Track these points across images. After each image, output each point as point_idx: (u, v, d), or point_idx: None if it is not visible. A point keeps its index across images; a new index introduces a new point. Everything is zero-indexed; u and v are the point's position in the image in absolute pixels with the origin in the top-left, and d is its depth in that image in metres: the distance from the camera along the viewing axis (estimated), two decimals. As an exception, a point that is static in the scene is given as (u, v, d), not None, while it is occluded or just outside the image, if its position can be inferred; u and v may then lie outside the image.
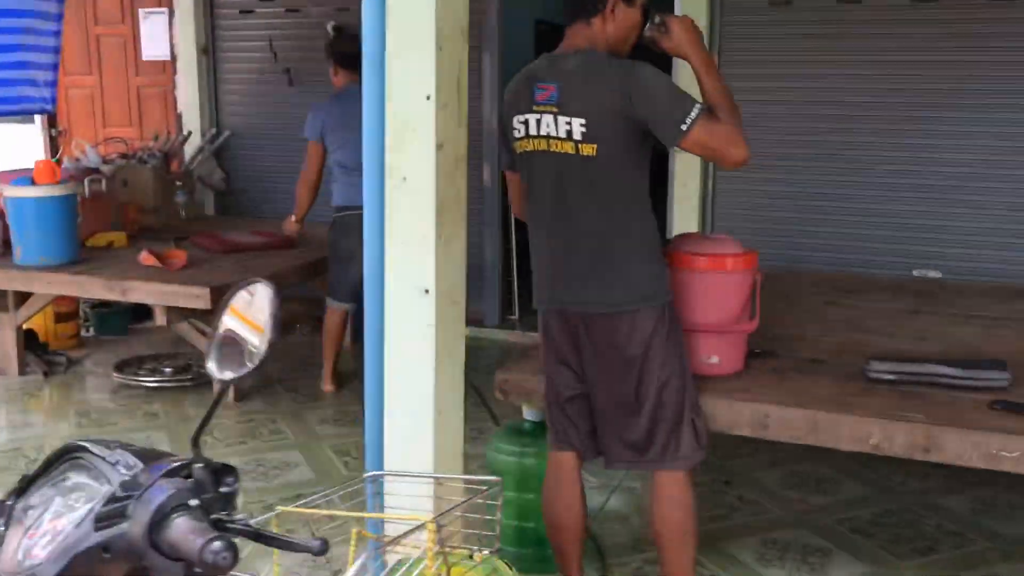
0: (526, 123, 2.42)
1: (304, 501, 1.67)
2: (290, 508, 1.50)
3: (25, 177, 4.45)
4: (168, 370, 4.98)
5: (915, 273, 5.11)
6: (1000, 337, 3.30)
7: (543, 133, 2.38)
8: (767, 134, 5.35)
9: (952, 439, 2.37)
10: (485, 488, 1.49)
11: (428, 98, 2.12)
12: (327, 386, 4.75)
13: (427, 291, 2.20)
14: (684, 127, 2.24)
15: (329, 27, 4.81)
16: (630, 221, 2.40)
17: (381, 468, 2.09)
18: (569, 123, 2.33)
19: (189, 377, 4.89)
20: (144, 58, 6.73)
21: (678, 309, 2.66)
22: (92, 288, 4.28)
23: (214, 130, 6.61)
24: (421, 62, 2.11)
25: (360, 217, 2.37)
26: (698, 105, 2.25)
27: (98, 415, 4.44)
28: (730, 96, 2.33)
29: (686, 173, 5.42)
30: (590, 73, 2.32)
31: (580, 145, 2.33)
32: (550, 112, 2.36)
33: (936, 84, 4.98)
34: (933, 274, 5.09)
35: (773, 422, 2.53)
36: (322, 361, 4.77)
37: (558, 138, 2.36)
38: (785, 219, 5.35)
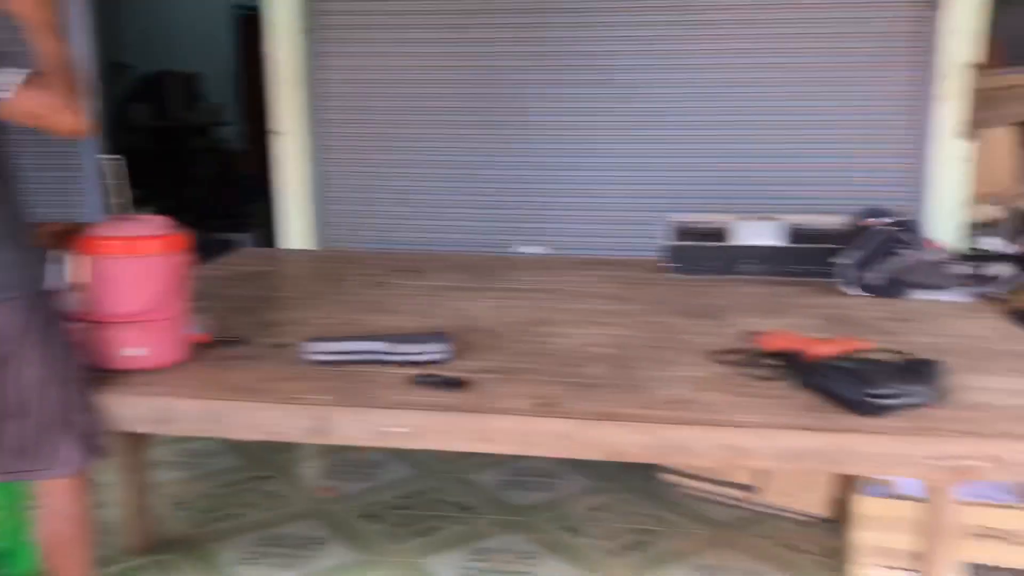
0: None
1: None
2: None
3: None
4: None
5: (522, 250, 5.15)
6: (513, 309, 3.30)
7: None
8: (372, 114, 5.25)
9: (345, 420, 2.28)
10: None
11: None
12: None
13: None
14: (5, 96, 2.01)
15: None
16: (-24, 204, 2.13)
17: None
18: None
19: None
20: None
21: (92, 299, 2.45)
22: None
23: None
24: None
25: None
26: (19, 72, 2.03)
27: None
28: (66, 62, 2.12)
29: (293, 157, 5.22)
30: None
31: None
32: None
33: (542, 55, 5.02)
34: (539, 251, 5.15)
35: (177, 416, 2.34)
36: None
37: None
38: (394, 200, 5.26)
